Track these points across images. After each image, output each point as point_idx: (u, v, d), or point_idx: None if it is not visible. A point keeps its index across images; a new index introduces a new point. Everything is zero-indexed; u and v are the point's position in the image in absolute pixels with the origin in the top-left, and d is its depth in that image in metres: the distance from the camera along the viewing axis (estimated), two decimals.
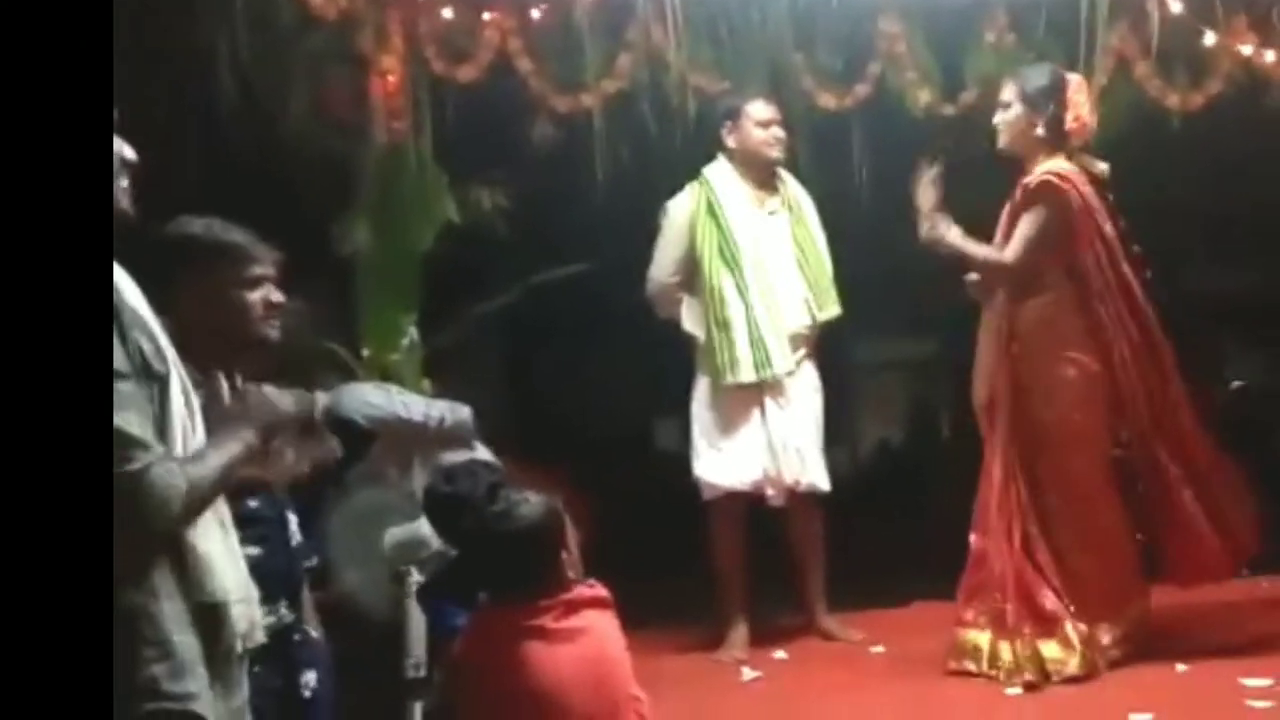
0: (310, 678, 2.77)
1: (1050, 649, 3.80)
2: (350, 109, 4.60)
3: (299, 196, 4.58)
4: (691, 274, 4.57)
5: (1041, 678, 3.76)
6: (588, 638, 2.85)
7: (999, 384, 4.01)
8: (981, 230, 4.15)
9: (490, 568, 2.92)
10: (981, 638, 3.93)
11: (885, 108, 4.80)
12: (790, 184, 4.67)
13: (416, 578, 3.87)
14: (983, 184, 4.28)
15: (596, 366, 5.34)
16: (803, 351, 4.59)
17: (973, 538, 4.08)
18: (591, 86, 4.66)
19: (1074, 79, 4.17)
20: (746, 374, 4.44)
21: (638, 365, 5.29)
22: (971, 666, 3.92)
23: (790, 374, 4.51)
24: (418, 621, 3.83)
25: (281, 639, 2.62)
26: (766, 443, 4.49)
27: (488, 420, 4.19)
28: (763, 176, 4.60)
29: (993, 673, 3.84)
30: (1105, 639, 3.91)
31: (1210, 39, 4.65)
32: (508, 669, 2.78)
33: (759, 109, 4.55)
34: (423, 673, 3.79)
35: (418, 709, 3.76)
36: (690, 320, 4.61)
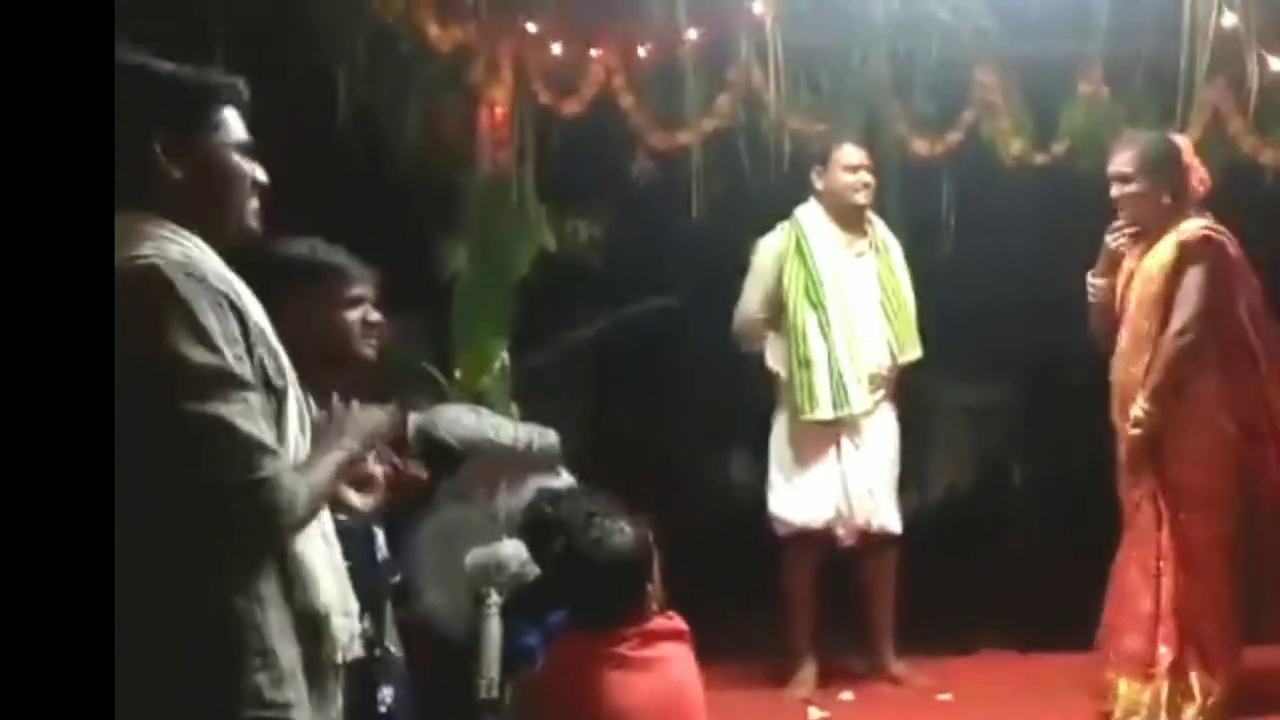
0: (387, 694, 2.83)
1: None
2: (459, 137, 4.72)
3: (404, 220, 4.69)
4: (777, 312, 4.61)
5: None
6: (664, 668, 2.89)
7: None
8: None
9: (580, 592, 2.98)
10: (1121, 683, 3.95)
11: (977, 156, 4.80)
12: (879, 227, 4.69)
13: (495, 599, 3.95)
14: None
15: (678, 399, 5.39)
16: (882, 392, 4.60)
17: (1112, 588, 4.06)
18: (691, 124, 4.72)
19: (1184, 141, 4.17)
20: (824, 412, 4.47)
21: (719, 400, 5.33)
22: (1115, 710, 3.94)
23: (868, 414, 4.52)
24: (493, 642, 3.88)
25: (362, 654, 2.68)
26: (841, 482, 4.51)
27: (571, 446, 4.26)
28: (851, 219, 4.62)
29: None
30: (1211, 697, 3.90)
31: None
32: (585, 694, 2.83)
33: (848, 153, 4.59)
34: (495, 693, 3.86)
35: None
36: (773, 357, 4.63)
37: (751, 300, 4.66)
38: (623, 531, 3.00)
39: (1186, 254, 3.93)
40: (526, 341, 4.79)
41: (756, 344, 4.67)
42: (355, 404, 2.58)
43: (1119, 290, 4.11)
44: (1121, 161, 4.04)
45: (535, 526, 3.66)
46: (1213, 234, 3.96)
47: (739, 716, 3.76)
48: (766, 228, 4.70)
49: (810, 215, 4.64)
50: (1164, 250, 3.98)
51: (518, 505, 3.77)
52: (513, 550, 3.92)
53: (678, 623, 2.96)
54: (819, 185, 4.63)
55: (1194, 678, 3.86)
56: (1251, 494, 3.98)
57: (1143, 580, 3.98)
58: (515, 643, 3.52)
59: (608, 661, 2.86)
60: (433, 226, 4.75)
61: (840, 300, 4.54)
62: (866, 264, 4.63)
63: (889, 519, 4.56)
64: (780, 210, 4.72)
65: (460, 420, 4.15)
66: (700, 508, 5.09)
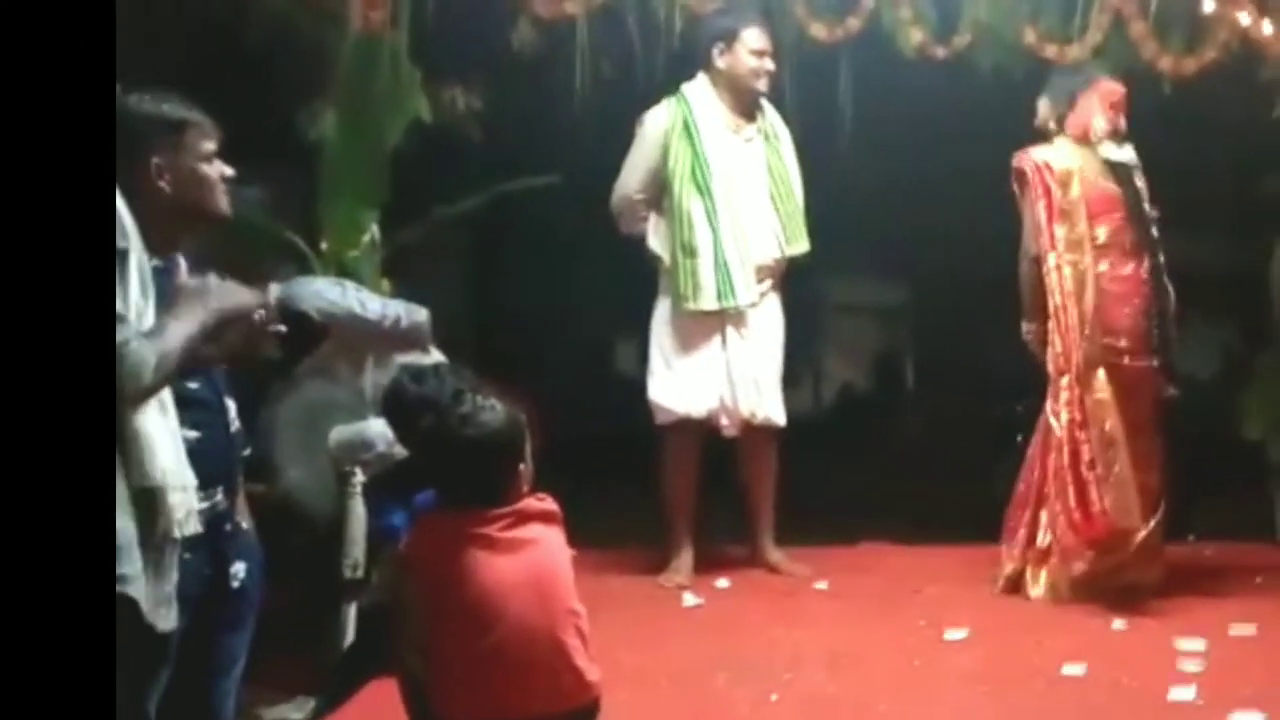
0: (240, 569, 2.75)
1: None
2: None
3: (269, 80, 4.47)
4: (659, 193, 4.52)
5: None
6: (533, 549, 2.83)
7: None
8: None
9: (448, 472, 2.89)
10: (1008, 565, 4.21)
11: (877, 45, 4.74)
12: (769, 114, 4.62)
13: (360, 478, 3.86)
14: None
15: (559, 281, 5.29)
16: (768, 284, 4.57)
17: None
18: None
19: (1102, 86, 4.31)
20: (709, 302, 4.42)
21: (602, 283, 5.24)
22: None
23: (753, 305, 4.49)
24: (358, 522, 3.82)
25: (214, 528, 2.60)
26: (725, 372, 4.48)
27: (445, 325, 4.16)
28: (743, 103, 4.54)
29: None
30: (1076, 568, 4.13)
31: (1209, 5, 4.63)
32: (452, 573, 2.77)
33: (755, 37, 4.48)
34: (359, 574, 3.79)
35: (351, 609, 3.76)
36: (655, 240, 4.56)
37: (632, 178, 4.56)
38: (494, 409, 2.92)
39: (1015, 182, 4.28)
40: (399, 215, 4.64)
41: (636, 225, 4.59)
42: (213, 277, 2.49)
43: None
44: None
45: (398, 404, 3.54)
46: (1022, 159, 4.27)
47: (614, 603, 3.75)
48: (654, 105, 4.58)
49: (699, 93, 4.53)
50: None
51: (384, 383, 3.67)
52: (379, 429, 3.83)
53: (549, 504, 2.91)
54: (719, 64, 4.52)
55: (1070, 555, 4.11)
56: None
57: (1030, 468, 4.23)
58: (380, 522, 3.46)
59: (475, 541, 2.80)
60: (298, 88, 4.55)
61: (727, 186, 4.47)
62: (755, 150, 4.56)
63: (774, 411, 4.54)
64: (670, 90, 4.61)
65: (323, 293, 4.02)
66: (582, 392, 5.02)
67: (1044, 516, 4.20)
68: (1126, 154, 4.33)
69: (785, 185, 4.57)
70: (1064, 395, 4.15)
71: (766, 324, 4.56)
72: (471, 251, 5.00)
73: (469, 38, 4.79)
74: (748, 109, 4.56)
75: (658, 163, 4.49)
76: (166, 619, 2.37)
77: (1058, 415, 4.16)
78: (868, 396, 5.09)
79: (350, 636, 3.70)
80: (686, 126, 4.47)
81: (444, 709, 2.75)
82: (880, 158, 4.54)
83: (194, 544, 2.47)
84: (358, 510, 3.81)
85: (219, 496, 2.64)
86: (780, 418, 4.57)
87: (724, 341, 4.48)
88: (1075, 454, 4.10)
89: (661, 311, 4.56)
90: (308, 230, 4.53)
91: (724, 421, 4.50)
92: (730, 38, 4.49)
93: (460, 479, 2.86)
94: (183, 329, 2.29)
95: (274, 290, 4.14)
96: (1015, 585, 4.23)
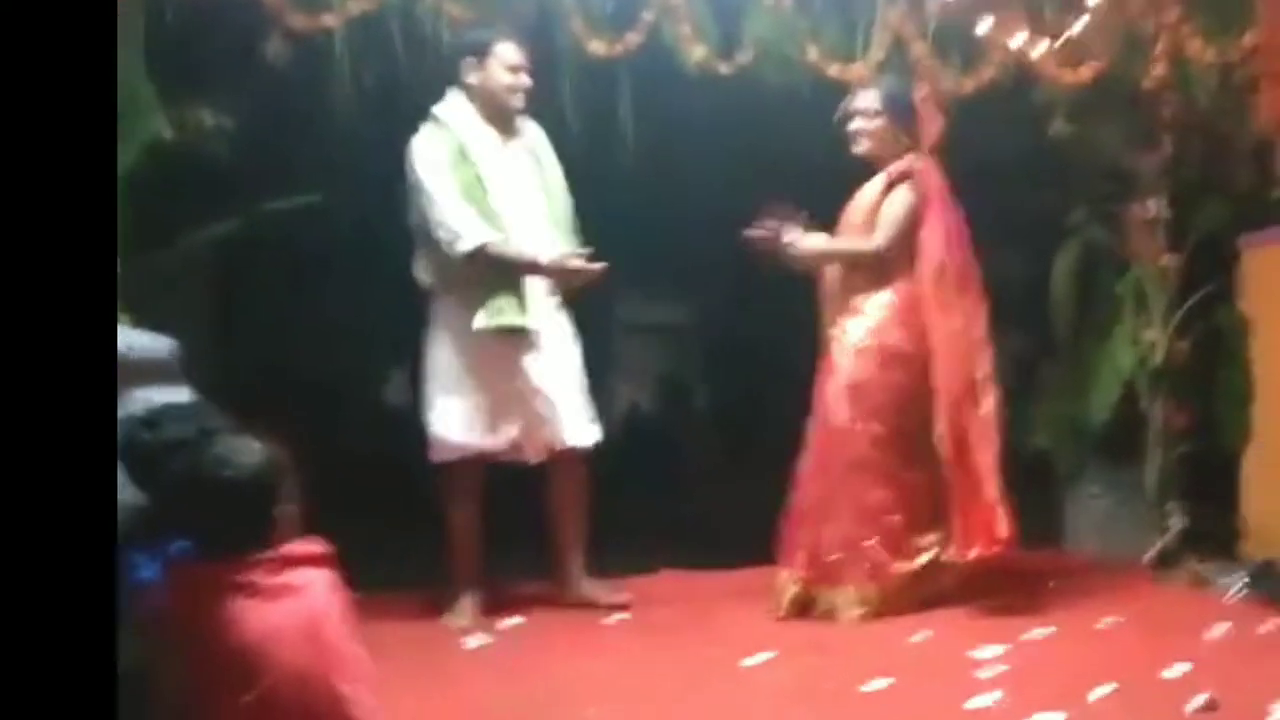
0: None
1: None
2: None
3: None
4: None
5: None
6: (302, 595, 2.71)
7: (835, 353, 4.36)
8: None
9: (203, 517, 2.75)
10: (789, 582, 4.25)
11: (658, 61, 4.71)
12: (530, 130, 4.52)
13: None
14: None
15: (319, 309, 5.07)
16: (555, 300, 4.47)
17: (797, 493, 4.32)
18: (335, 5, 4.43)
19: (922, 92, 4.51)
20: (497, 321, 4.27)
21: (365, 308, 5.05)
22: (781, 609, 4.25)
23: (543, 325, 4.38)
24: None
25: None
26: (522, 398, 4.34)
27: (193, 359, 3.92)
28: (504, 120, 4.44)
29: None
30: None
31: (984, 26, 4.79)
32: (213, 625, 2.63)
33: (508, 52, 4.38)
34: None
35: None
36: (425, 267, 4.39)
37: (471, 218, 4.28)
38: (250, 449, 2.82)
39: (892, 181, 4.36)
40: (141, 242, 4.36)
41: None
42: None
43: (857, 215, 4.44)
44: (865, 98, 4.44)
45: (135, 452, 3.35)
46: (913, 170, 4.36)
47: (395, 648, 3.57)
48: (421, 121, 4.44)
49: (460, 115, 4.40)
50: (875, 184, 4.41)
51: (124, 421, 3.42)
52: (120, 476, 3.57)
53: (317, 546, 2.78)
54: (471, 79, 4.41)
55: (849, 575, 4.22)
56: (917, 406, 4.30)
57: (810, 487, 4.31)
58: (131, 577, 3.21)
59: (237, 589, 2.66)
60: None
61: (505, 205, 4.35)
62: (524, 166, 4.47)
63: (580, 434, 4.43)
64: (437, 101, 4.48)
65: None
66: (345, 429, 4.81)
67: (826, 534, 4.26)
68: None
69: (558, 198, 4.49)
70: (924, 418, 4.26)
71: (560, 342, 4.45)
72: (221, 279, 4.74)
73: (216, 51, 4.58)
74: (509, 126, 4.45)
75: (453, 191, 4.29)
76: None
77: (908, 433, 4.26)
78: (658, 418, 5.04)
79: None
80: (461, 151, 4.33)
81: None
82: (665, 175, 4.52)
83: None
84: None
85: None
86: (588, 439, 4.45)
87: (518, 366, 4.35)
88: (966, 474, 4.22)
89: (440, 340, 4.38)
90: None
91: (526, 451, 4.36)
92: (482, 51, 4.38)
93: (217, 524, 2.73)
94: None
95: None
96: (803, 606, 4.26)
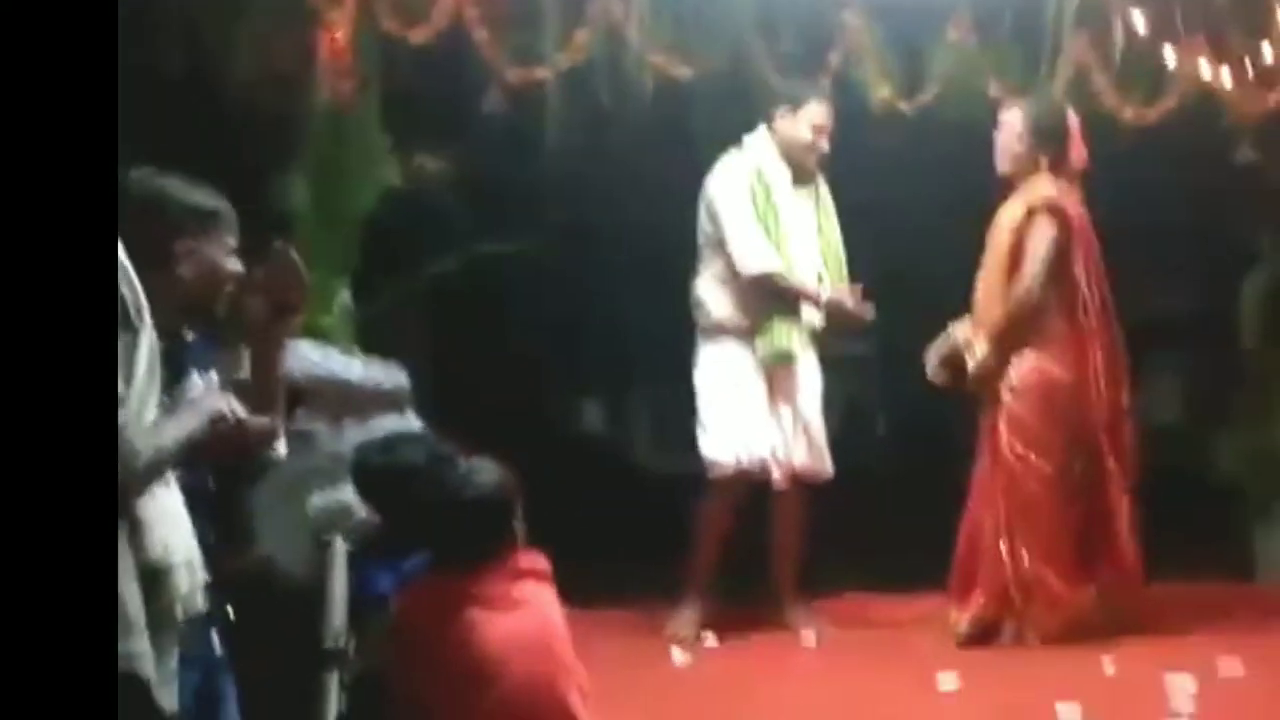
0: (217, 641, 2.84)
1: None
2: (296, 65, 4.64)
3: (239, 152, 4.60)
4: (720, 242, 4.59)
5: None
6: (529, 608, 2.94)
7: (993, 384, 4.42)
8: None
9: (444, 533, 3.01)
10: (952, 612, 4.37)
11: (845, 101, 4.92)
12: (818, 183, 4.76)
13: (341, 545, 3.95)
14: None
15: (529, 345, 5.41)
16: (810, 333, 4.71)
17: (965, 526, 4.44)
18: (547, 59, 4.71)
19: (1074, 117, 4.52)
20: (784, 353, 4.56)
21: (572, 347, 5.38)
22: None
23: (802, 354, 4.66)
24: (339, 590, 3.88)
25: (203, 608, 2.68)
26: (778, 424, 4.59)
27: (417, 390, 4.27)
28: (801, 171, 4.70)
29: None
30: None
31: (1170, 57, 4.85)
32: (449, 635, 2.86)
33: (818, 113, 4.63)
34: (340, 644, 3.86)
35: (334, 681, 3.83)
36: (712, 289, 4.64)
37: (768, 245, 4.56)
38: (488, 469, 3.06)
39: (1033, 216, 4.38)
40: (373, 283, 4.77)
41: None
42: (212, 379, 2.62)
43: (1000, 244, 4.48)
44: (1011, 116, 4.50)
45: (371, 474, 3.67)
46: (1055, 201, 4.38)
47: (601, 664, 3.82)
48: (629, 171, 4.74)
49: (763, 146, 4.67)
50: (1014, 209, 4.43)
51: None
52: (351, 496, 3.93)
53: (541, 562, 3.01)
54: (779, 125, 4.64)
55: (1014, 605, 4.29)
56: (1076, 436, 4.37)
57: (981, 517, 4.40)
58: (366, 589, 3.53)
59: (473, 601, 2.90)
60: (271, 159, 4.68)
61: (791, 239, 4.62)
62: (808, 211, 4.73)
63: (824, 462, 4.68)
64: (643, 150, 4.77)
65: (306, 354, 4.11)
66: (551, 456, 5.10)
67: (1007, 566, 4.33)
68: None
69: (833, 250, 4.73)
70: (1081, 453, 4.35)
71: (811, 373, 4.71)
72: (443, 316, 5.12)
73: (440, 104, 4.95)
74: (799, 174, 4.69)
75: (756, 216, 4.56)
76: (170, 698, 2.41)
77: (1071, 469, 4.33)
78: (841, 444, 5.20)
79: (333, 708, 3.77)
80: (762, 178, 4.59)
81: None
82: (853, 212, 4.73)
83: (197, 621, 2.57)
84: (339, 578, 3.86)
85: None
86: (829, 469, 4.69)
87: (783, 393, 4.61)
88: (1105, 505, 4.33)
89: (712, 363, 4.64)
90: None
91: (775, 474, 4.59)
92: (797, 104, 4.63)
93: (456, 539, 2.99)
94: (175, 430, 2.39)
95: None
96: (984, 634, 4.35)
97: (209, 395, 2.58)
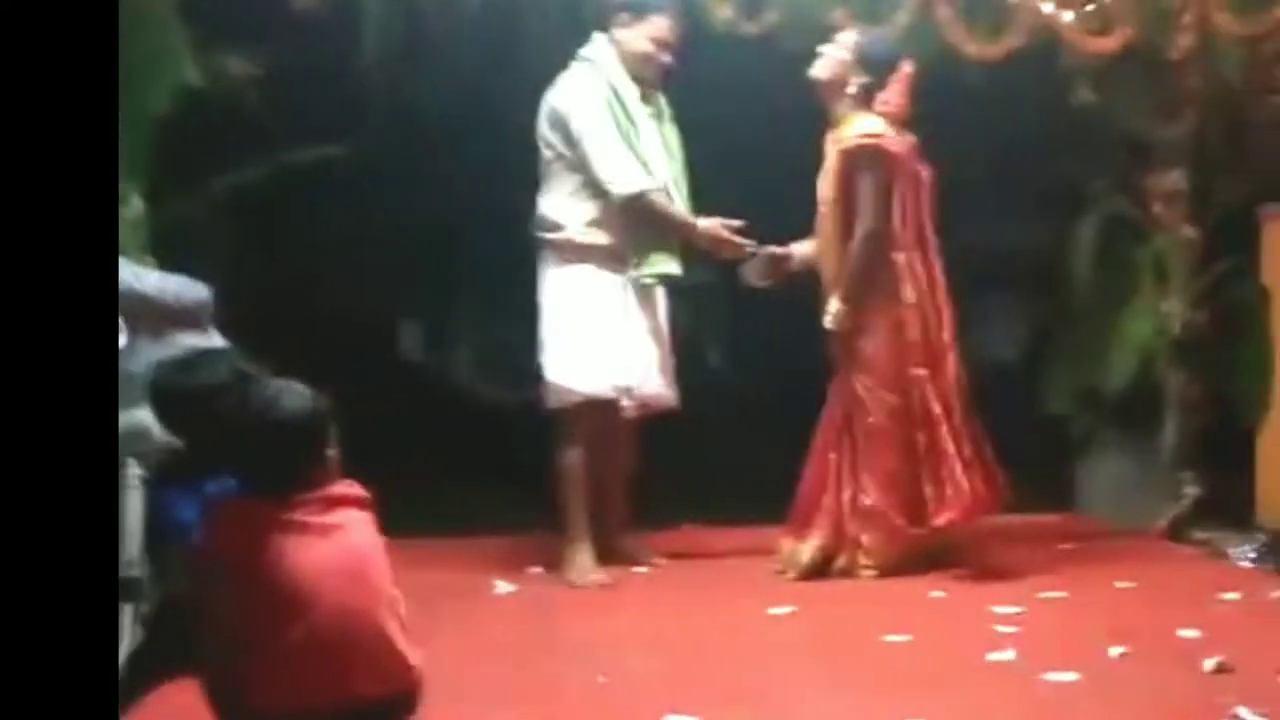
0: None
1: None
2: None
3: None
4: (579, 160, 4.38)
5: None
6: (346, 534, 2.82)
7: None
8: None
9: (254, 457, 2.85)
10: (801, 548, 4.37)
11: (686, 20, 4.77)
12: (658, 100, 4.58)
13: (137, 470, 3.71)
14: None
15: (340, 258, 5.16)
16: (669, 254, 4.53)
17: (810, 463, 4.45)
18: None
19: (906, 69, 4.48)
20: (648, 274, 4.39)
21: (384, 260, 5.14)
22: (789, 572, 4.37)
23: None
24: (134, 517, 3.66)
25: None
26: (631, 351, 4.42)
27: (219, 308, 4.02)
28: (639, 83, 4.49)
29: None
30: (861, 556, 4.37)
31: None
32: (261, 560, 2.73)
33: (661, 25, 4.46)
34: (136, 573, 3.64)
35: (128, 611, 3.61)
36: (559, 205, 4.42)
37: (636, 165, 4.35)
38: (299, 392, 2.92)
39: (851, 162, 4.39)
40: (169, 189, 4.47)
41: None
42: None
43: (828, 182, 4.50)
44: (847, 35, 4.51)
45: (169, 396, 3.45)
46: (868, 141, 4.37)
47: (421, 595, 3.67)
48: (454, 76, 4.53)
49: (609, 61, 4.45)
50: (834, 151, 4.44)
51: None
52: (146, 415, 3.69)
53: (358, 490, 2.89)
54: (619, 35, 4.45)
55: (851, 537, 4.36)
56: (912, 370, 4.42)
57: (826, 453, 4.44)
58: (168, 517, 3.33)
59: (283, 527, 2.77)
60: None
61: (650, 156, 4.43)
62: (653, 126, 4.53)
63: (669, 393, 4.55)
64: (465, 58, 4.57)
65: None
66: (364, 377, 4.89)
67: (845, 499, 4.38)
68: (912, 140, 4.53)
69: (679, 168, 4.56)
70: (916, 386, 4.36)
71: (661, 302, 4.56)
72: (248, 226, 4.84)
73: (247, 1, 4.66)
74: (642, 90, 4.49)
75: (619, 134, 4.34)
76: None
77: (904, 402, 4.36)
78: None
79: (127, 640, 3.55)
80: (616, 93, 4.38)
81: (260, 700, 2.71)
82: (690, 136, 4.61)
83: None
84: (133, 505, 3.65)
85: None
86: (673, 399, 4.55)
87: (637, 318, 4.44)
88: (935, 440, 4.33)
89: (564, 287, 4.42)
90: None
91: (625, 402, 4.41)
92: (640, 14, 4.44)
93: (267, 464, 2.84)
94: None
95: None
96: (819, 568, 4.37)
97: None
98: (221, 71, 4.70)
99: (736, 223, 4.46)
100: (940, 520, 4.31)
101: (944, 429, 4.34)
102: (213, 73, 4.61)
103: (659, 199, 4.41)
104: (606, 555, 4.46)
